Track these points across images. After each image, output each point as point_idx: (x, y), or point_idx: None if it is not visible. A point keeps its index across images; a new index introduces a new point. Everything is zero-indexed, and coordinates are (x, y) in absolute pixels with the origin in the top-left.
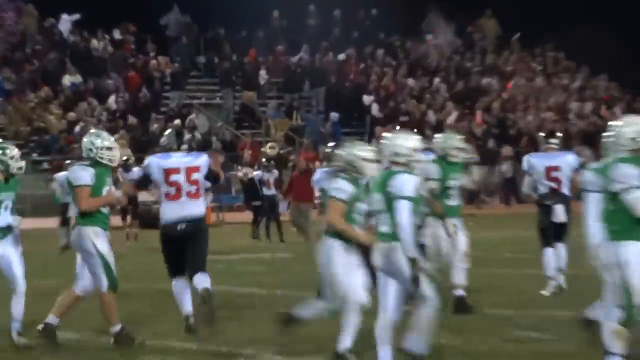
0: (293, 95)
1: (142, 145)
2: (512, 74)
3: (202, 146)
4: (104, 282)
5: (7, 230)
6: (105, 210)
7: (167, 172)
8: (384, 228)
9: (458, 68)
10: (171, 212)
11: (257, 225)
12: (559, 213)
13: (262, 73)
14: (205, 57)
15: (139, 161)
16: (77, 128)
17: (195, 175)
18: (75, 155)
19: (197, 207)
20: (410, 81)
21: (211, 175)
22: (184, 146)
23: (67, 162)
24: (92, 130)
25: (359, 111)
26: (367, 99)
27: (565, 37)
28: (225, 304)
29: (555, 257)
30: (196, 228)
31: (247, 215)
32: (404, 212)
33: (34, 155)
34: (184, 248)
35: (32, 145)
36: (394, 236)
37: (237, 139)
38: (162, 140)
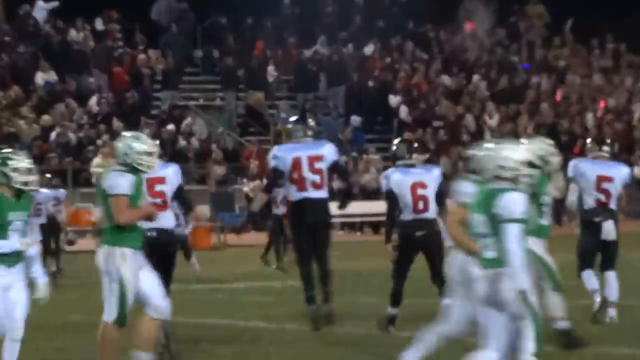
0: (307, 95)
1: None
2: (565, 70)
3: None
4: (113, 314)
5: (16, 257)
6: (140, 225)
7: None
8: (490, 253)
9: (501, 63)
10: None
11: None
12: (609, 230)
13: (271, 69)
14: (203, 51)
15: None
16: (53, 135)
17: (159, 187)
18: (52, 167)
19: (164, 219)
20: (445, 79)
21: (180, 194)
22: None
23: (48, 175)
24: (129, 133)
25: (384, 114)
26: (394, 99)
27: (627, 27)
28: (228, 341)
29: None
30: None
31: (254, 237)
32: (514, 236)
33: None
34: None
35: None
36: (500, 262)
37: (242, 146)
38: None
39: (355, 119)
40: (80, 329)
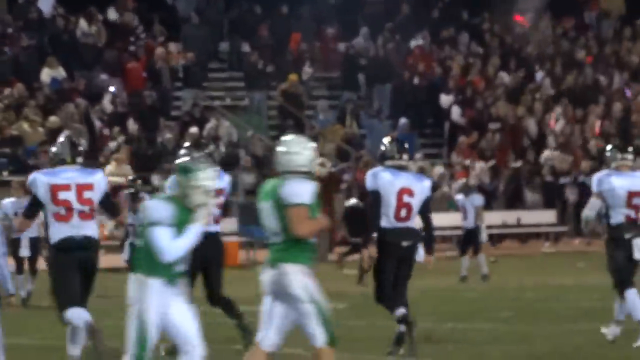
0: (348, 94)
1: (148, 160)
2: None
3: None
4: (321, 335)
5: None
6: (313, 240)
7: (55, 189)
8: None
9: (567, 58)
10: (62, 234)
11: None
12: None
13: (306, 65)
14: (230, 44)
15: (142, 181)
16: (61, 137)
17: (87, 194)
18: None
19: (90, 230)
20: (503, 76)
21: (108, 202)
22: (79, 159)
23: None
24: (292, 137)
25: (434, 116)
26: (445, 99)
27: None
28: None
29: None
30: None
31: None
32: None
33: (4, 175)
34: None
35: (2, 161)
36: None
37: (273, 152)
38: (52, 151)
39: (403, 122)
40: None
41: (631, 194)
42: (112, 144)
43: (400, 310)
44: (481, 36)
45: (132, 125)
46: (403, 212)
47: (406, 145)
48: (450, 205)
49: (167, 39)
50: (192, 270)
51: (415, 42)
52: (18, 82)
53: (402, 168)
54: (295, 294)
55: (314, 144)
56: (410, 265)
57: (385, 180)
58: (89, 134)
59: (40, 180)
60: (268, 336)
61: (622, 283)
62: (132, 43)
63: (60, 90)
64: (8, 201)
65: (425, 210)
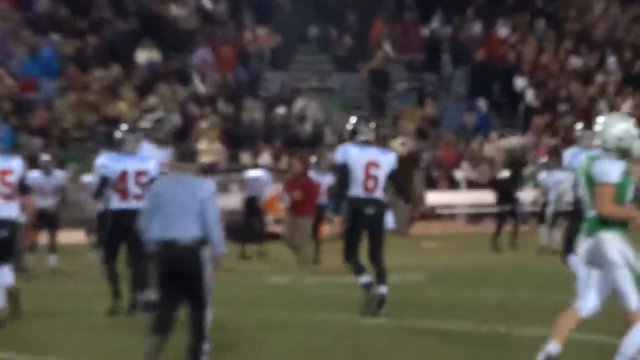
0: (427, 76)
1: (237, 139)
2: None
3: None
4: (634, 300)
5: None
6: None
7: None
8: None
9: (637, 43)
10: None
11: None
12: None
13: (388, 48)
14: (317, 29)
15: (231, 159)
16: (153, 116)
17: (9, 178)
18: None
19: (8, 210)
20: (575, 59)
21: (22, 184)
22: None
23: None
24: (613, 114)
25: (510, 97)
26: (520, 82)
27: None
28: (343, 338)
29: None
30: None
31: None
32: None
33: (102, 152)
34: None
35: (99, 139)
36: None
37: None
38: None
39: (481, 103)
40: None
41: None
42: (203, 124)
43: (365, 279)
44: (555, 22)
45: (222, 106)
46: (370, 184)
47: (370, 125)
48: (524, 181)
49: (256, 23)
50: None
51: (491, 27)
52: (114, 64)
53: (368, 143)
54: (611, 260)
55: (630, 122)
56: (380, 232)
57: (354, 155)
58: (181, 113)
59: None
60: (587, 303)
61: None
62: (222, 27)
63: (155, 72)
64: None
65: (396, 181)
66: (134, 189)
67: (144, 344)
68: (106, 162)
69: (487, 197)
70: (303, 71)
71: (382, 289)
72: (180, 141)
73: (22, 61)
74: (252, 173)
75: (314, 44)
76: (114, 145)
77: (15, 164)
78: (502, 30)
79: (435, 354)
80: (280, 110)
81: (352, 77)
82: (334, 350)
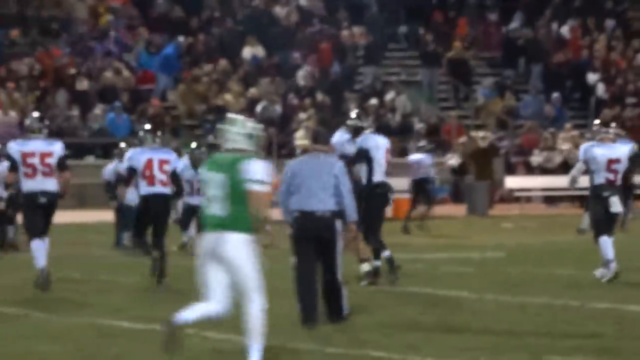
0: (507, 72)
1: (333, 127)
2: None
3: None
4: None
5: None
6: None
7: (24, 155)
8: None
9: None
10: (31, 187)
11: None
12: None
13: (464, 43)
14: (407, 28)
15: None
16: (259, 107)
17: (49, 159)
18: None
19: (51, 184)
20: None
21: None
22: (45, 131)
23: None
24: None
25: (582, 91)
26: (591, 77)
27: None
28: (428, 309)
29: None
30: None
31: (453, 209)
32: None
33: (210, 138)
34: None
35: (208, 127)
36: None
37: (442, 121)
38: (27, 123)
39: (555, 96)
40: None
41: (610, 161)
42: (303, 114)
43: (387, 253)
44: (623, 22)
45: (320, 97)
46: (388, 169)
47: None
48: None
49: (350, 22)
50: None
51: (565, 27)
52: (222, 59)
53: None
54: None
55: None
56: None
57: (375, 143)
58: (282, 104)
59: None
60: None
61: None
62: (320, 25)
63: (259, 66)
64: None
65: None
66: (159, 175)
67: (299, 311)
68: (133, 154)
69: (560, 181)
70: (393, 66)
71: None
72: (282, 129)
73: (139, 55)
74: (414, 157)
75: (403, 41)
76: (140, 141)
77: (56, 148)
78: (575, 30)
79: (514, 324)
80: (373, 101)
81: (437, 71)
82: (421, 321)
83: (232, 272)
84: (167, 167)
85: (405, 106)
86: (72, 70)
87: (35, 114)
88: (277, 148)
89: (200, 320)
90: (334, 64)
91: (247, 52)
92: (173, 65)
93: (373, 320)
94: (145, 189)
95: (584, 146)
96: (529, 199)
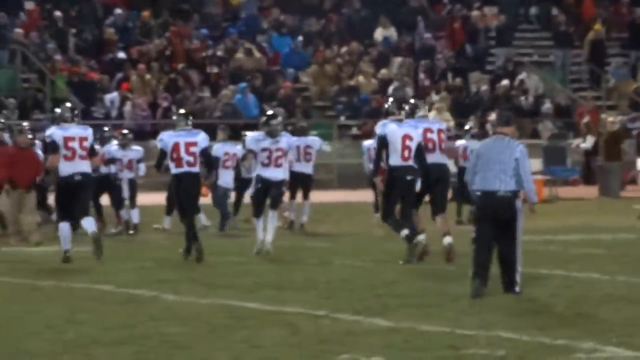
0: (636, 53)
1: (465, 108)
2: None
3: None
4: None
5: None
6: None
7: (66, 139)
8: None
9: None
10: (68, 168)
11: None
12: None
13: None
14: (538, 9)
15: (459, 126)
16: (390, 88)
17: (85, 143)
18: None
19: (86, 166)
20: None
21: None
22: (77, 119)
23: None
24: None
25: None
26: None
27: None
28: (559, 291)
29: None
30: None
31: (584, 191)
32: None
33: (342, 119)
34: (75, 195)
35: (340, 107)
36: None
37: (575, 103)
38: (60, 112)
39: None
40: None
41: None
42: (434, 95)
43: (405, 231)
44: None
45: (452, 78)
46: (406, 153)
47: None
48: None
49: (482, 3)
50: None
51: None
52: (353, 41)
53: (400, 121)
54: None
55: None
56: (413, 195)
57: (393, 129)
58: (413, 85)
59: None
60: None
61: None
62: (451, 5)
63: (391, 47)
64: (370, 142)
65: (420, 152)
66: (186, 157)
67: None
68: (163, 137)
69: None
70: (525, 47)
71: (422, 237)
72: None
73: (271, 37)
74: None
75: (535, 22)
76: (174, 126)
77: (89, 132)
78: None
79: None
80: (504, 82)
81: (568, 52)
82: (551, 303)
83: None
84: (193, 149)
85: (537, 87)
86: (204, 53)
87: (68, 104)
88: None
89: None
90: (465, 45)
91: (379, 33)
92: (299, 47)
93: (503, 303)
94: (174, 170)
95: None
96: None
